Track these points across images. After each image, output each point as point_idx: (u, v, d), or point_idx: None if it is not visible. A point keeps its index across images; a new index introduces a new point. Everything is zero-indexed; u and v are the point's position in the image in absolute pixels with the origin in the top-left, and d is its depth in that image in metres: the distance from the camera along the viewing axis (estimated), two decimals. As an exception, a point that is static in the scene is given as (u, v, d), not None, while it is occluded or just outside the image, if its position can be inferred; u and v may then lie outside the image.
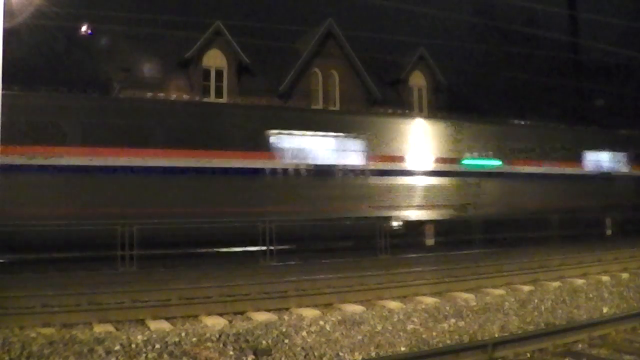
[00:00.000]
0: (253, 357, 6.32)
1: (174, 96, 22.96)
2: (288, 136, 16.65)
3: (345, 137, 17.55)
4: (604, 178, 22.04)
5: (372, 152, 17.57)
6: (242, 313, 9.16)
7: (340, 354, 6.46)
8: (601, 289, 10.69)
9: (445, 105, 28.94)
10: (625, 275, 12.70)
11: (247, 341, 6.85)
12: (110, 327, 8.06)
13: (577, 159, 21.60)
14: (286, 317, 8.71)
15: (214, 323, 8.31)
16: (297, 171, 16.45)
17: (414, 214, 17.96)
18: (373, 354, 6.49)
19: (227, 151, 15.70)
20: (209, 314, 9.00)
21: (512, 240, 18.39)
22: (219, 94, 24.73)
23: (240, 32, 25.29)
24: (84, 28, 23.33)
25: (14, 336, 6.99)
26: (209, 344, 6.71)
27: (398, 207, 17.59)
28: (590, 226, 20.17)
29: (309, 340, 7.03)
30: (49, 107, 14.55)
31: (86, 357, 6.20)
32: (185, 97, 23.71)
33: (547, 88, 35.27)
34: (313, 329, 7.60)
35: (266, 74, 25.93)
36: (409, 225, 17.83)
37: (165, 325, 8.19)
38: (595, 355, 6.61)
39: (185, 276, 11.88)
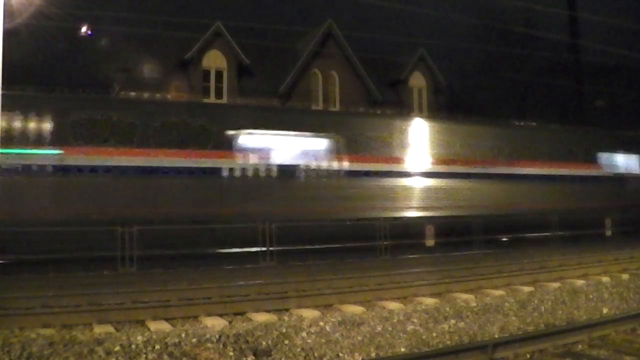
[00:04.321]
0: (253, 357, 6.32)
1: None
2: None
3: None
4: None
5: None
6: (242, 314, 9.16)
7: (340, 354, 6.46)
8: (601, 290, 10.68)
9: (445, 106, 28.99)
10: (625, 276, 12.69)
11: (247, 342, 6.85)
12: (110, 328, 8.05)
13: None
14: (286, 318, 8.71)
15: (214, 324, 8.31)
16: None
17: None
18: (373, 355, 6.49)
19: None
20: (209, 314, 9.00)
21: (513, 241, 18.40)
22: (219, 94, 24.75)
23: (240, 33, 25.32)
24: (84, 29, 23.34)
25: (14, 337, 7.00)
26: (208, 344, 6.71)
27: None
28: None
29: (309, 341, 7.03)
30: None
31: (86, 358, 6.20)
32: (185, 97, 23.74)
33: (547, 89, 35.30)
34: (313, 329, 7.60)
35: (266, 74, 25.95)
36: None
37: (165, 326, 8.19)
38: (595, 356, 6.60)
39: (185, 277, 11.89)
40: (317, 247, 15.26)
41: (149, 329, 8.06)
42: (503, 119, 26.68)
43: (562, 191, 21.48)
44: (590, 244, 18.34)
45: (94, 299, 9.63)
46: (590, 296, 10.12)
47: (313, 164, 17.47)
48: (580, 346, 6.93)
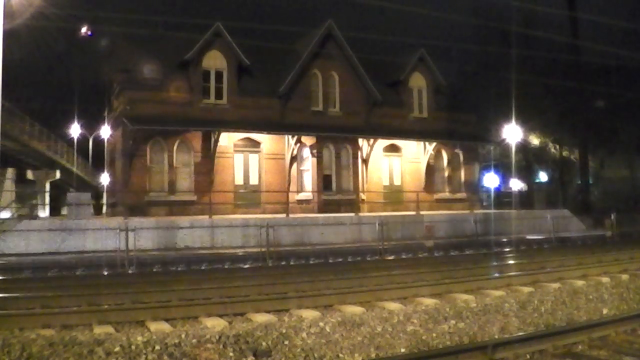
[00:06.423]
0: (253, 358, 6.32)
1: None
2: None
3: None
4: None
5: None
6: (242, 314, 9.15)
7: (340, 355, 6.46)
8: (601, 290, 10.66)
9: (445, 106, 29.01)
10: (625, 277, 12.66)
11: (247, 342, 6.85)
12: (110, 329, 8.05)
13: None
14: (286, 319, 8.70)
15: (214, 324, 8.30)
16: None
17: None
18: (373, 355, 6.48)
19: None
20: (209, 315, 8.99)
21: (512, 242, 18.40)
22: (218, 95, 24.75)
23: (240, 33, 25.37)
24: (84, 29, 23.36)
25: (13, 337, 6.99)
26: (208, 345, 6.70)
27: None
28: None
29: (308, 341, 7.03)
30: None
31: (86, 359, 6.20)
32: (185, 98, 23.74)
33: (546, 89, 35.30)
34: (313, 330, 7.59)
35: (266, 75, 25.95)
36: None
37: (165, 327, 8.18)
38: (595, 356, 6.60)
39: (185, 277, 11.88)
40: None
41: (149, 330, 8.05)
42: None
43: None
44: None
45: (93, 300, 9.64)
46: (590, 297, 10.10)
47: None
48: (580, 347, 6.93)
